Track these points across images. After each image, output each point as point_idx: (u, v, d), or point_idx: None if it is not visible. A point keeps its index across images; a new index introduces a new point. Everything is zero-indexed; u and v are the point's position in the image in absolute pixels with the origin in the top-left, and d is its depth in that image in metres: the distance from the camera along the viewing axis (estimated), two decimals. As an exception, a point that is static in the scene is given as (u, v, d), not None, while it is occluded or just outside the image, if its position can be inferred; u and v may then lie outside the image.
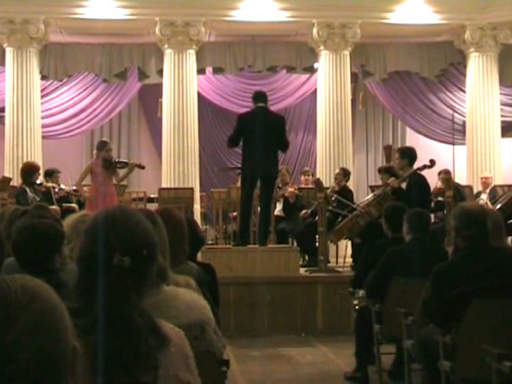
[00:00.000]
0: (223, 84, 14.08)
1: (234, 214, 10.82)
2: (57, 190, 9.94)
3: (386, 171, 9.25)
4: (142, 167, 9.99)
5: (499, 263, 4.05)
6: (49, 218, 3.64)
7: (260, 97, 8.66)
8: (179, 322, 2.00)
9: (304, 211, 10.42)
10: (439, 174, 10.73)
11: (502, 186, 11.24)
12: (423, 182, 8.36)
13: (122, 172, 9.59)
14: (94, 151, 9.87)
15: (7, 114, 12.24)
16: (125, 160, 9.88)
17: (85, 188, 9.84)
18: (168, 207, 3.93)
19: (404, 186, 8.45)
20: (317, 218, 9.39)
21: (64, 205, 9.76)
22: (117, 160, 9.54)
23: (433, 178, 9.90)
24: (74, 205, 9.91)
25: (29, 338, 1.06)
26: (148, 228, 1.91)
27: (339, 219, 9.31)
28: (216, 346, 2.43)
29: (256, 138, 8.12)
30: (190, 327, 2.14)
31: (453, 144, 13.15)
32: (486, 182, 11.89)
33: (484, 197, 11.42)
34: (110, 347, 1.61)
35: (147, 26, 12.30)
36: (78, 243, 1.92)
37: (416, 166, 8.51)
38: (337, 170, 10.80)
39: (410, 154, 8.55)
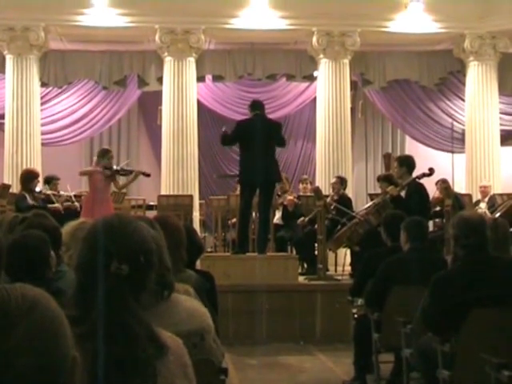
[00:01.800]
0: (223, 92, 14.09)
1: (233, 220, 10.81)
2: (56, 197, 9.94)
3: (384, 179, 9.25)
4: (148, 175, 9.75)
5: (498, 273, 4.05)
6: (48, 225, 3.64)
7: (256, 105, 8.68)
8: (180, 329, 2.00)
9: (301, 218, 10.40)
10: (437, 183, 10.72)
11: (501, 195, 11.23)
12: (422, 190, 8.35)
13: (125, 179, 9.57)
14: (94, 158, 9.84)
15: (7, 121, 12.25)
16: (129, 168, 9.83)
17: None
18: (165, 214, 3.92)
19: (403, 194, 8.45)
20: (316, 225, 9.39)
21: (65, 204, 9.79)
22: (120, 168, 9.51)
23: (431, 187, 9.88)
24: (76, 204, 9.90)
25: (28, 344, 1.07)
26: (145, 235, 1.91)
27: (338, 227, 9.31)
28: (215, 354, 2.42)
29: (255, 145, 8.13)
30: (189, 335, 2.14)
31: (452, 152, 13.14)
32: (485, 191, 11.87)
33: (483, 205, 11.41)
34: (109, 355, 1.61)
35: (147, 33, 12.32)
36: (76, 251, 1.92)
37: (415, 174, 8.50)
38: (333, 179, 10.76)
39: (408, 163, 8.55)
